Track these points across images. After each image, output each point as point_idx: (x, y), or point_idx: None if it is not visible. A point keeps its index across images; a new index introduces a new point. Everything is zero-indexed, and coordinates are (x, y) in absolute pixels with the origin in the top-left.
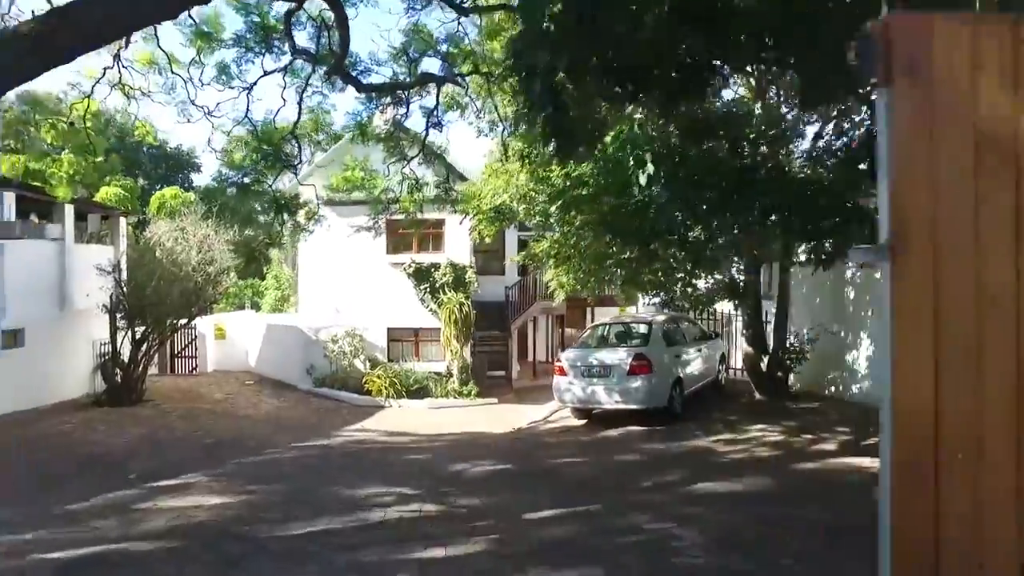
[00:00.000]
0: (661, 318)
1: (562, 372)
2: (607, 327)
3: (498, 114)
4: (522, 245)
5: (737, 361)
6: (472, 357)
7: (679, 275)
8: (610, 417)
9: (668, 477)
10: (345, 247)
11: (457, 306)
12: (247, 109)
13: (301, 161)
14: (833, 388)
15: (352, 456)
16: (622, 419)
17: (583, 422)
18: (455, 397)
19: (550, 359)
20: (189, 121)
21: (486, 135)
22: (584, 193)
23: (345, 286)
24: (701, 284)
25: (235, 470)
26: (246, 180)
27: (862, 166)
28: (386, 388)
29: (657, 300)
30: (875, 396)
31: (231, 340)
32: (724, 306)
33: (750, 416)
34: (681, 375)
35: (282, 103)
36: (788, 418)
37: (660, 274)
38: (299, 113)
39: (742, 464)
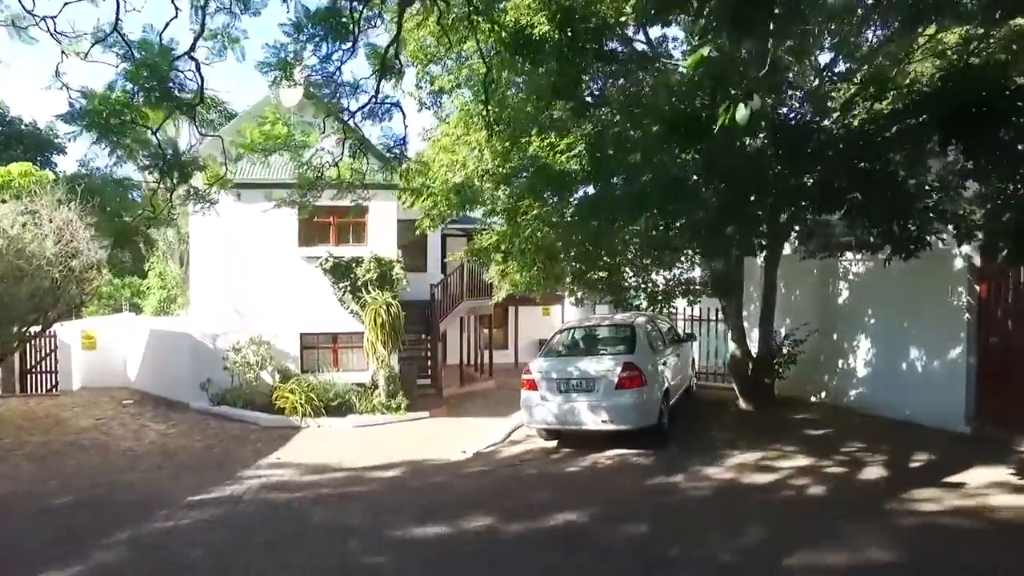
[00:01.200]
0: (642, 319)
1: (532, 386)
2: (577, 330)
3: (484, 60)
4: (442, 241)
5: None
6: (400, 365)
7: (631, 271)
8: (585, 438)
9: (745, 538)
10: (248, 238)
11: (384, 307)
12: (116, 21)
13: (202, 99)
14: (823, 394)
15: (278, 519)
16: (600, 440)
17: (553, 444)
18: (382, 412)
19: (475, 363)
20: (15, 26)
21: (429, 107)
22: (576, 168)
23: (248, 284)
24: (659, 280)
25: (101, 566)
26: (116, 121)
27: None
28: (302, 405)
29: (582, 299)
30: (874, 403)
31: (104, 350)
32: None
33: (748, 432)
34: (668, 386)
35: (173, 15)
36: (793, 434)
37: (623, 268)
38: (201, 26)
39: (806, 508)
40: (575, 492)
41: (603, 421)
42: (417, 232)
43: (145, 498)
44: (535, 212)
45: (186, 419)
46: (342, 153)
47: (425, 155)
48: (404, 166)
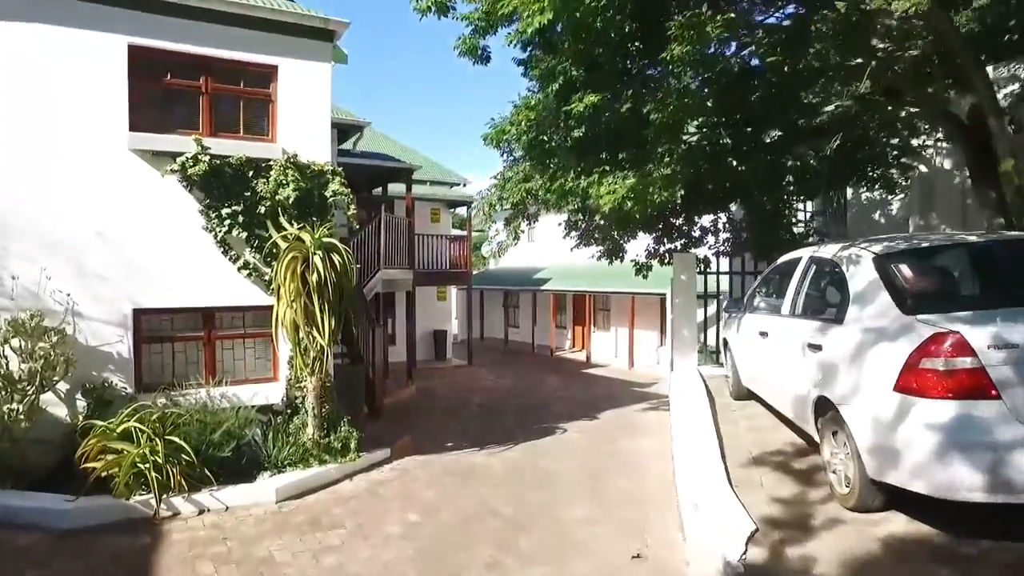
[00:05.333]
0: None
1: (975, 386)
2: (930, 255)
3: None
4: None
5: None
6: (337, 369)
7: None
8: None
9: None
10: (7, 104)
11: (316, 255)
12: None
13: None
14: None
15: None
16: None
17: (883, 514)
18: (319, 462)
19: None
20: None
21: None
22: None
23: (5, 206)
24: None
25: None
26: None
27: None
28: (159, 466)
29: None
30: None
31: None
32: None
33: None
34: None
35: None
36: None
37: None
38: None
39: None
40: None
41: None
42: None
43: None
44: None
45: None
46: None
47: None
48: None
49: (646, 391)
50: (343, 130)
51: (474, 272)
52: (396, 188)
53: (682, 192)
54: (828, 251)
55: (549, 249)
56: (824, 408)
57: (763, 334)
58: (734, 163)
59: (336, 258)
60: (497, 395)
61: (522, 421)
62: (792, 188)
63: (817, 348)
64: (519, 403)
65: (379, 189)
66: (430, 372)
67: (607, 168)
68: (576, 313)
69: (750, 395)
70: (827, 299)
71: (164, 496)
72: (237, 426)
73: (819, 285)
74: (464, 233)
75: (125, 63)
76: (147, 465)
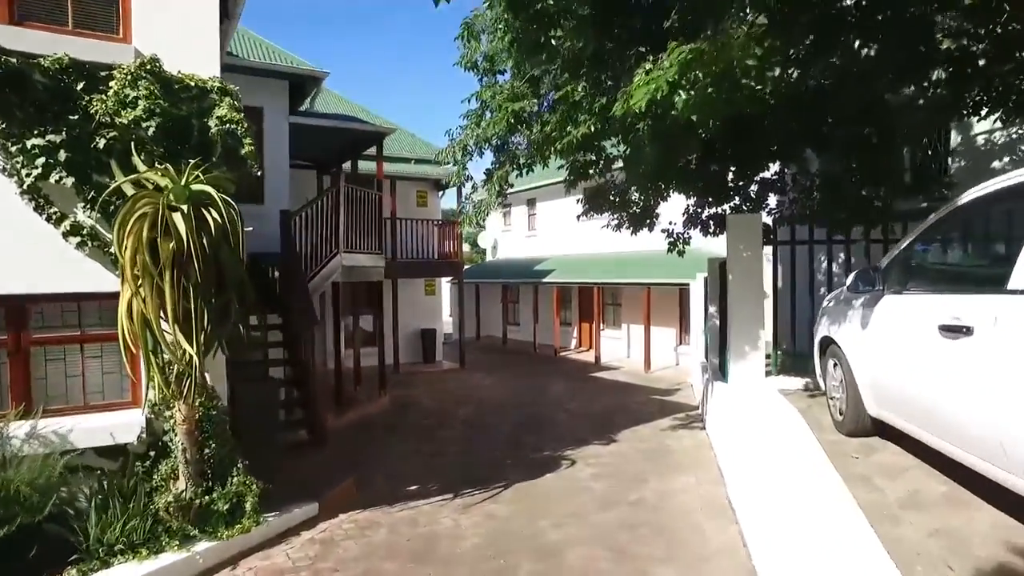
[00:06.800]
0: None
1: None
2: None
3: None
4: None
5: None
6: (233, 385)
7: None
8: None
9: None
10: None
11: (178, 210)
12: None
13: None
14: None
15: None
16: None
17: None
18: (183, 540)
19: (348, 367)
20: None
21: None
22: None
23: None
24: None
25: None
26: None
27: None
28: None
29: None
30: None
31: None
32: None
33: None
34: None
35: None
36: None
37: None
38: None
39: None
40: None
41: None
42: None
43: None
44: None
45: None
46: None
47: None
48: None
49: (669, 400)
50: (296, 84)
51: (468, 266)
52: (370, 167)
53: (778, 64)
54: None
55: (551, 238)
56: None
57: (949, 329)
58: (856, 37)
59: (213, 218)
60: (490, 407)
61: (516, 446)
62: (941, 91)
63: None
64: (515, 419)
65: (348, 165)
66: (415, 378)
67: (643, 50)
68: (583, 309)
69: (874, 428)
70: None
71: None
72: (36, 487)
73: None
74: (454, 219)
75: None
76: None
